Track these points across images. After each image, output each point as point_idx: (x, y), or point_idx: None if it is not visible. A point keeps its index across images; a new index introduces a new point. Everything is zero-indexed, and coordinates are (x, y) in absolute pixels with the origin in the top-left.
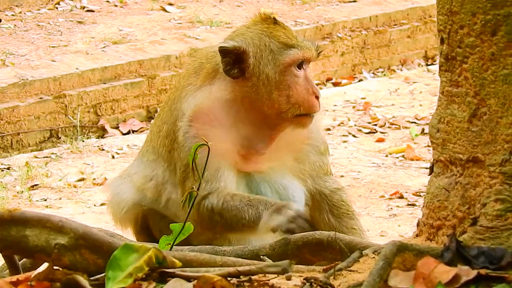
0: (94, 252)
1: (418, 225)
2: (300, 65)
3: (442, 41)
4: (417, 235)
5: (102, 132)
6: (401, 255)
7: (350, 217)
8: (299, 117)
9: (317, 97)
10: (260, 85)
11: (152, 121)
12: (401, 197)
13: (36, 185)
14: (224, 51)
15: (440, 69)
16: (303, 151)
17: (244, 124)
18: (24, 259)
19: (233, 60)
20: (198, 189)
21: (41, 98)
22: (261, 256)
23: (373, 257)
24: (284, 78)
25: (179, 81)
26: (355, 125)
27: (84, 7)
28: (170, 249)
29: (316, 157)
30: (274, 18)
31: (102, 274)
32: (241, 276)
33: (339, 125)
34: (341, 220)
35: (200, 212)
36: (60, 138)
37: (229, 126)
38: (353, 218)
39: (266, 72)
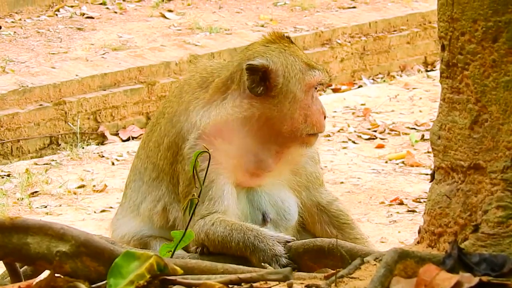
0: (95, 259)
1: (419, 232)
2: (316, 87)
3: (443, 48)
4: (418, 242)
5: (102, 139)
6: (403, 262)
7: (351, 226)
8: (309, 136)
9: (324, 117)
10: (286, 103)
11: (143, 136)
12: (401, 203)
13: (36, 192)
14: (251, 69)
15: (441, 76)
16: (301, 163)
17: (254, 141)
18: (26, 267)
19: (260, 78)
20: (199, 196)
21: (41, 105)
22: (262, 264)
23: (375, 264)
24: (306, 98)
25: (179, 95)
26: (355, 131)
27: (83, 14)
28: (171, 256)
29: (312, 167)
30: (289, 37)
31: (104, 282)
32: (243, 283)
33: (338, 131)
34: (343, 231)
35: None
36: (60, 145)
37: (240, 142)
38: (354, 228)
39: (294, 91)
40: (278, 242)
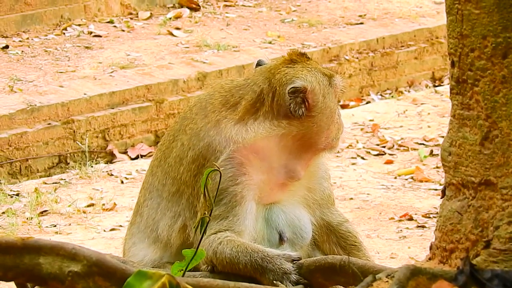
0: (107, 279)
1: (431, 248)
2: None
3: (453, 64)
4: (430, 259)
5: (110, 157)
6: (415, 278)
7: (358, 248)
8: (337, 140)
9: None
10: (324, 118)
11: (157, 154)
12: (411, 219)
13: (46, 211)
14: (294, 91)
15: (451, 92)
16: (316, 177)
17: (288, 155)
18: (37, 287)
19: (302, 100)
20: (210, 214)
21: (49, 123)
22: (274, 281)
23: (387, 281)
24: (337, 107)
25: (203, 113)
26: (363, 147)
27: (91, 32)
28: (183, 275)
29: (326, 183)
30: (305, 54)
31: None
32: None
33: (347, 147)
34: (350, 252)
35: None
36: (68, 163)
37: (274, 157)
38: (361, 249)
39: (331, 106)
40: (285, 260)
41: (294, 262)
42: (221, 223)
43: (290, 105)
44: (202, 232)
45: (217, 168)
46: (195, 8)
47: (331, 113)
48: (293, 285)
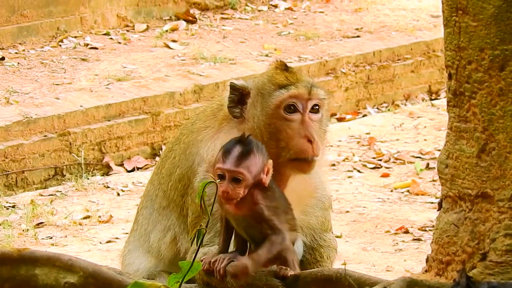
0: None
1: (427, 260)
2: (292, 108)
3: (450, 77)
4: (426, 271)
5: (106, 170)
6: None
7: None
8: (294, 162)
9: (310, 141)
10: (255, 127)
11: (158, 161)
12: (407, 232)
13: (42, 223)
14: (232, 88)
15: (448, 105)
16: (310, 204)
17: None
18: None
19: (238, 99)
20: (207, 226)
21: (45, 136)
22: None
23: None
24: (273, 121)
25: (193, 123)
26: (359, 160)
27: (87, 45)
28: (179, 287)
29: (320, 212)
30: (285, 64)
31: None
32: None
33: (343, 160)
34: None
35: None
36: (65, 175)
37: None
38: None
39: (257, 115)
40: (271, 276)
41: (282, 278)
42: (205, 238)
43: (227, 100)
44: (198, 245)
45: (214, 180)
46: (191, 21)
47: (259, 123)
48: None
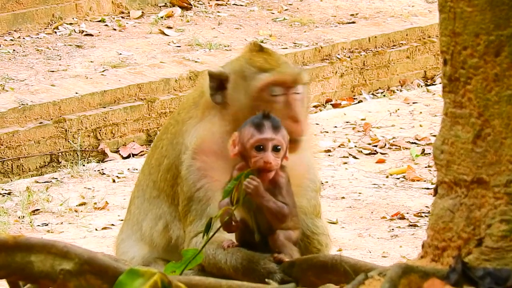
0: (99, 277)
1: (423, 246)
2: (277, 90)
3: (445, 62)
4: (422, 257)
5: (102, 156)
6: (407, 277)
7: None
8: None
9: (296, 122)
10: (238, 112)
11: (149, 152)
12: (402, 218)
13: (37, 210)
14: (210, 76)
15: (443, 91)
16: (303, 185)
17: None
18: (29, 285)
19: (217, 86)
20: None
21: (41, 122)
22: (266, 280)
23: (379, 279)
24: (257, 103)
25: (179, 112)
26: (355, 146)
27: (82, 31)
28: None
29: (312, 193)
30: (260, 46)
31: None
32: None
33: (339, 146)
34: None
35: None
36: (60, 162)
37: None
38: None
39: (240, 99)
40: (268, 260)
41: (278, 263)
42: (196, 224)
43: (208, 90)
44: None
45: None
46: (186, 7)
47: (242, 107)
48: (278, 284)
